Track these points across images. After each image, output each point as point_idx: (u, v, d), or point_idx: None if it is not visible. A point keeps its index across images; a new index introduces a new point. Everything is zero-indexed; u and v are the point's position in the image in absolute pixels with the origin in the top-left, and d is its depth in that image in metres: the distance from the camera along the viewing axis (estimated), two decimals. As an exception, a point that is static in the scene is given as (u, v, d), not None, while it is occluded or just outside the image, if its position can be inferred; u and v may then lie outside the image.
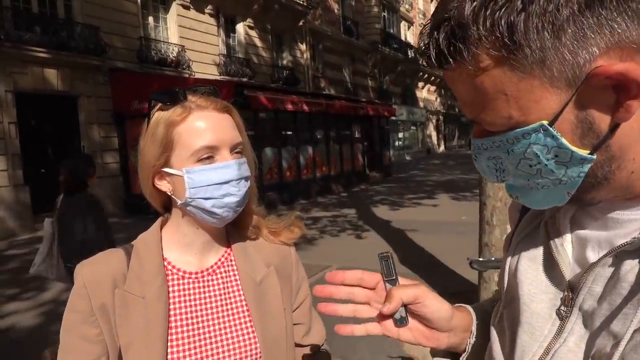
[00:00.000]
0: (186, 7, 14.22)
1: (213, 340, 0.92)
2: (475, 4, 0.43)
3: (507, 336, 0.61)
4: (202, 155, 0.88)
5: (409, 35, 34.35)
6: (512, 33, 0.42)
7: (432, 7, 36.89)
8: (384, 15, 28.66)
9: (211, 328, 0.93)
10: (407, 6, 33.99)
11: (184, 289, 0.94)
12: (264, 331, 0.94)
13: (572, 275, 0.55)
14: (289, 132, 13.97)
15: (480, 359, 0.70)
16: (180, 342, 0.90)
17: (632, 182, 0.48)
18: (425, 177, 18.71)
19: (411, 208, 11.07)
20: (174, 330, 0.90)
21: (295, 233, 1.07)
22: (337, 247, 7.34)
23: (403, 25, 32.92)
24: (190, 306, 0.93)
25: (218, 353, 0.92)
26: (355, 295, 0.70)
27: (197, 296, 0.94)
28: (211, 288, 0.96)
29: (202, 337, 0.92)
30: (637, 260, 0.47)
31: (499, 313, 0.64)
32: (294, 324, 1.03)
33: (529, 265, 0.59)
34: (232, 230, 1.02)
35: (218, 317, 0.94)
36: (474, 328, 0.72)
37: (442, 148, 41.38)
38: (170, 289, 0.92)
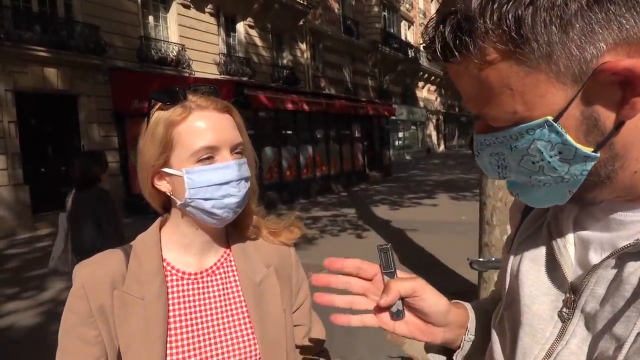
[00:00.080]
0: (186, 6, 14.22)
1: (212, 341, 0.92)
2: None
3: (508, 338, 0.61)
4: (202, 156, 0.88)
5: (409, 34, 34.34)
6: (519, 27, 0.42)
7: (433, 7, 36.91)
8: (384, 15, 28.65)
9: (210, 329, 0.93)
10: (407, 6, 33.97)
11: (183, 290, 0.93)
12: (263, 332, 0.94)
13: (574, 276, 0.54)
14: (289, 132, 13.97)
15: (480, 358, 0.70)
16: (179, 343, 0.89)
17: (635, 182, 0.48)
18: (425, 176, 18.71)
19: (411, 208, 11.07)
20: (173, 332, 0.89)
21: (295, 233, 1.07)
22: (337, 247, 7.35)
23: (403, 24, 32.91)
24: (189, 307, 0.93)
25: (217, 354, 0.91)
26: (352, 285, 0.70)
27: (196, 297, 0.94)
28: (210, 289, 0.96)
29: (201, 338, 0.91)
30: None
31: (500, 314, 0.64)
32: (294, 326, 1.03)
33: (531, 267, 0.59)
34: (232, 231, 1.01)
35: (217, 318, 0.94)
36: (469, 325, 0.72)
37: (442, 148, 41.38)
38: (170, 289, 0.92)
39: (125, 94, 11.47)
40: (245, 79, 15.70)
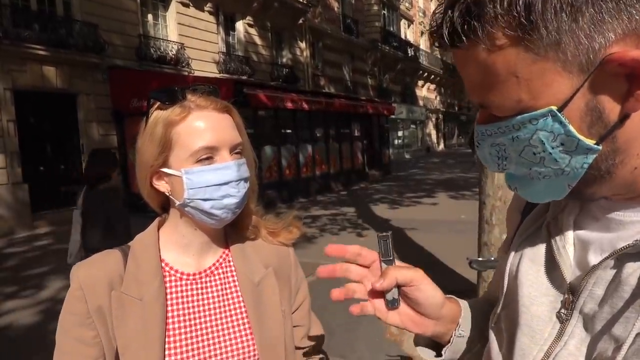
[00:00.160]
0: (185, 5, 14.19)
1: (211, 342, 0.92)
2: None
3: (505, 338, 0.60)
4: (201, 156, 0.87)
5: (409, 33, 34.32)
6: (529, 12, 0.41)
7: (432, 5, 36.89)
8: (384, 14, 28.60)
9: (209, 330, 0.92)
10: (407, 4, 33.93)
11: (181, 291, 0.93)
12: (262, 333, 0.94)
13: (573, 277, 0.54)
14: (289, 131, 13.95)
15: (478, 357, 0.70)
16: (177, 344, 0.89)
17: (634, 179, 0.48)
18: (425, 175, 18.71)
19: (410, 207, 11.07)
20: (171, 332, 0.89)
21: (294, 233, 1.07)
22: (336, 246, 7.33)
23: (403, 23, 32.87)
24: (188, 308, 0.92)
25: (216, 355, 0.91)
26: (351, 272, 0.71)
27: (195, 298, 0.94)
28: (209, 289, 0.95)
29: (199, 339, 0.91)
30: (639, 263, 0.47)
31: (497, 315, 0.64)
32: (293, 326, 1.02)
33: (530, 267, 0.59)
34: (231, 231, 1.01)
35: (216, 319, 0.94)
36: (461, 320, 0.72)
37: (441, 146, 41.38)
38: (168, 290, 0.92)
39: (125, 93, 11.45)
40: (244, 77, 15.68)
